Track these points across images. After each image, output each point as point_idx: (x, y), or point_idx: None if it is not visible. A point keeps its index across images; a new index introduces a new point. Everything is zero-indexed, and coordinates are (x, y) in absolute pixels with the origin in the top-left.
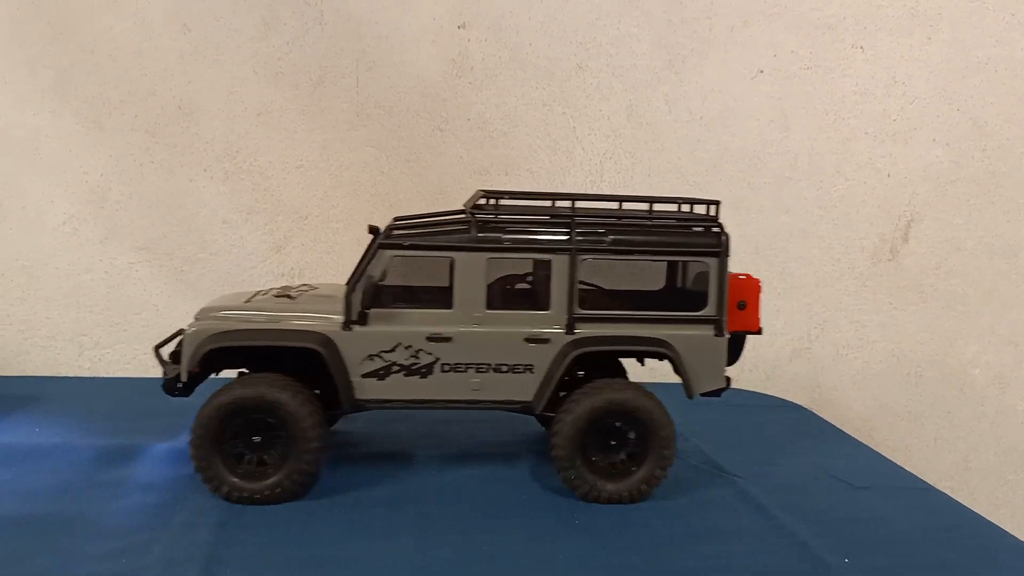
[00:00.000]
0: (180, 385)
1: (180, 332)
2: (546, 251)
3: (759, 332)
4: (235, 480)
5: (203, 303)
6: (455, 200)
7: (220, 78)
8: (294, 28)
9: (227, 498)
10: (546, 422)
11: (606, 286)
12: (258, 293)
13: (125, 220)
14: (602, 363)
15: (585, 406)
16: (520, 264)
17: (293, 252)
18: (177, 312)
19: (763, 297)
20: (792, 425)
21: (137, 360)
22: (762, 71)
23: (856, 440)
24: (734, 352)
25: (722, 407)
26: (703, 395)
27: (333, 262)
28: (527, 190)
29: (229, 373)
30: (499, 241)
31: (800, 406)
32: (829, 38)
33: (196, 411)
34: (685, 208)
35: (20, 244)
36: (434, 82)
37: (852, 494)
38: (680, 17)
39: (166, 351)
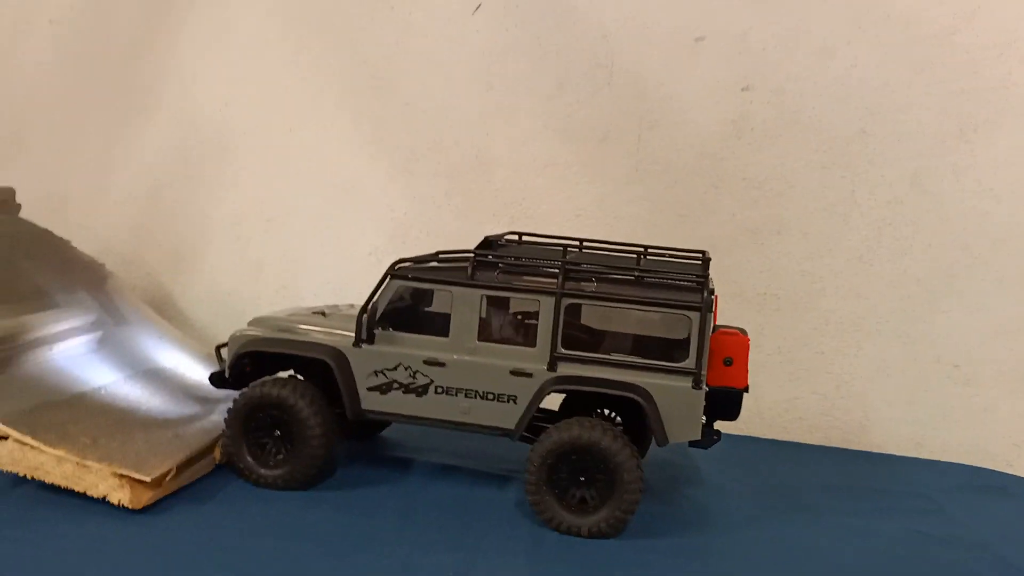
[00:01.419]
0: (226, 379)
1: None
2: (534, 293)
3: (745, 389)
4: (251, 461)
5: None
6: (724, 258)
7: (515, 133)
8: (585, 88)
9: (242, 477)
10: None
11: (595, 326)
12: (311, 310)
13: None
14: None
15: (554, 439)
16: (517, 302)
17: None
18: None
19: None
20: None
21: None
22: None
23: None
24: (727, 408)
25: None
26: (690, 445)
27: None
28: (604, 239)
29: None
30: (493, 280)
31: None
32: None
33: None
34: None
35: (333, 269)
36: (713, 142)
37: None
38: (973, 86)
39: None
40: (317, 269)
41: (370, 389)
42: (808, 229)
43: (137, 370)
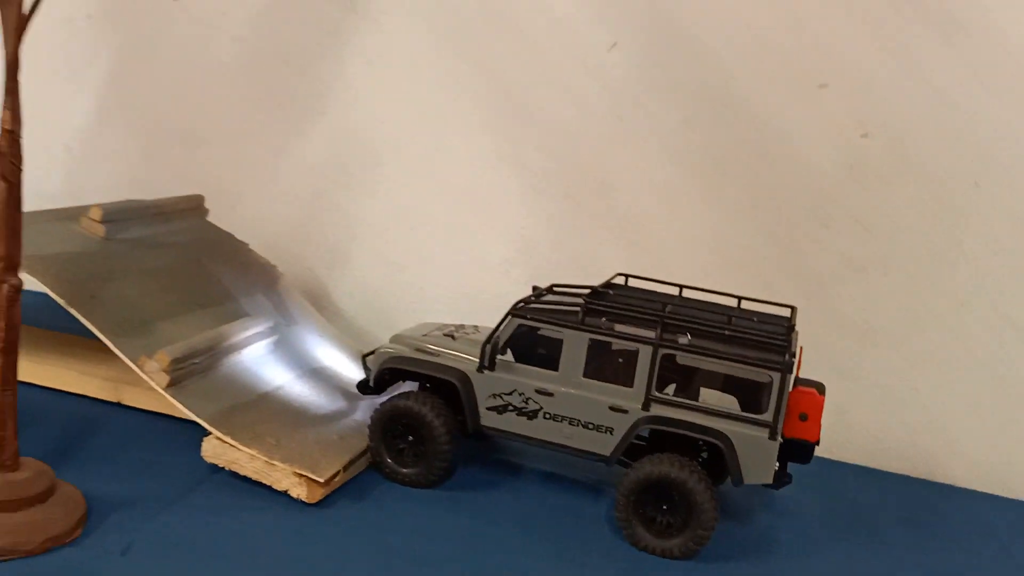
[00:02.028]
0: (370, 386)
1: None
2: (635, 341)
3: (817, 443)
4: (391, 463)
5: None
6: (830, 290)
7: (639, 162)
8: (709, 124)
9: (384, 475)
10: None
11: (690, 363)
12: (441, 329)
13: (547, 268)
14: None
15: (646, 471)
16: (619, 345)
17: None
18: None
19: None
20: None
21: None
22: None
23: None
24: (800, 455)
25: None
26: (765, 486)
27: None
28: (703, 287)
29: None
30: (599, 325)
31: None
32: None
33: None
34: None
35: (467, 276)
36: (828, 182)
37: None
38: None
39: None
40: (452, 275)
41: (488, 408)
42: (913, 271)
43: (305, 369)
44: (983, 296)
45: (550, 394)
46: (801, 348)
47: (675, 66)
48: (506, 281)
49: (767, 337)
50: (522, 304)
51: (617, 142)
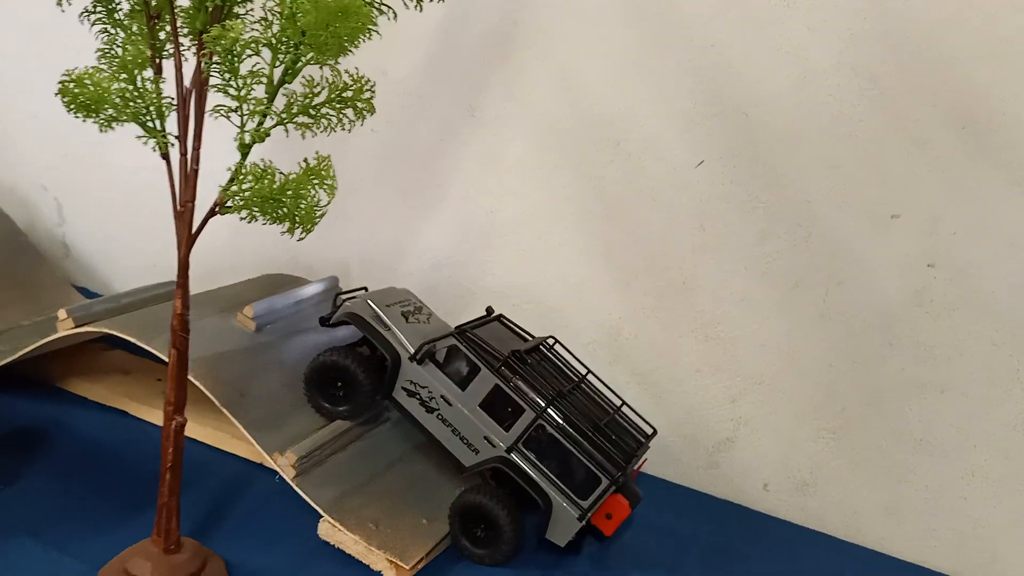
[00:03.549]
0: (328, 323)
1: (351, 296)
2: (524, 404)
3: (609, 536)
4: (325, 405)
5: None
6: (889, 405)
7: (718, 268)
8: (784, 241)
9: (319, 412)
10: None
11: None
12: (404, 305)
13: (629, 352)
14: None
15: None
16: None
17: (744, 406)
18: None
19: None
20: None
21: None
22: None
23: None
24: (593, 534)
25: None
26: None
27: (774, 421)
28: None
29: None
30: (508, 379)
31: None
32: None
33: None
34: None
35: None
36: (893, 305)
37: None
38: None
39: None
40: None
41: (402, 388)
42: (970, 393)
43: (407, 447)
44: None
45: (450, 404)
46: (644, 460)
47: (755, 186)
48: (591, 358)
49: (617, 450)
50: (465, 328)
51: (698, 249)
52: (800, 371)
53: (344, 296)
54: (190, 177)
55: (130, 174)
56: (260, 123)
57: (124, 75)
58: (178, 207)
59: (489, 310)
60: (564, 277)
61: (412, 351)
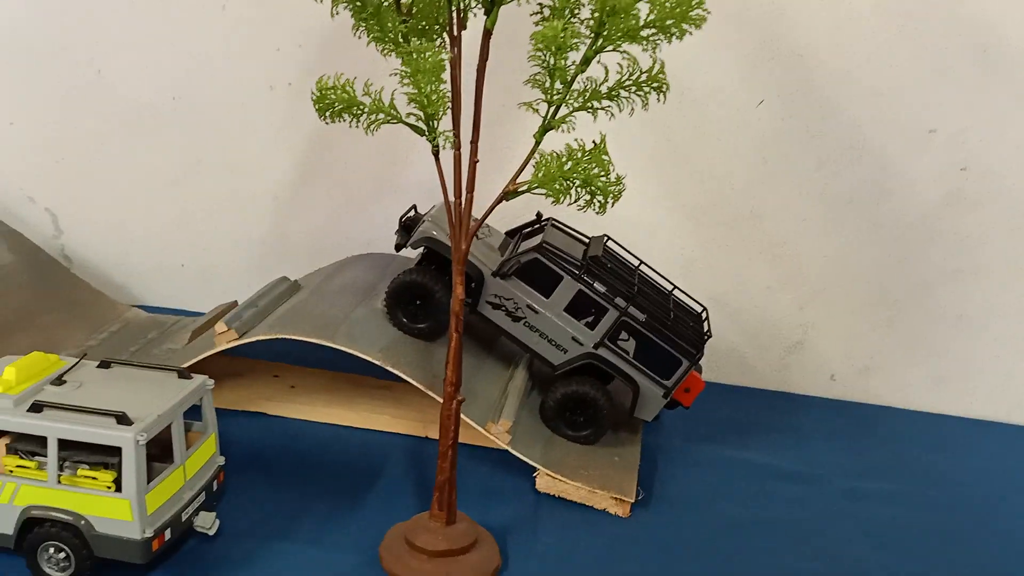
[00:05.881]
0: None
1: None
2: (608, 304)
3: (688, 407)
4: (404, 321)
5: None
6: (931, 292)
7: (782, 194)
8: (839, 164)
9: (398, 327)
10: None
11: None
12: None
13: (704, 282)
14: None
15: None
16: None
17: (810, 312)
18: (720, 340)
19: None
20: None
21: None
22: None
23: None
24: (672, 407)
25: None
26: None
27: (837, 321)
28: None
29: None
30: (589, 283)
31: None
32: None
33: None
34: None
35: None
36: (933, 206)
37: None
38: None
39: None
40: None
41: (487, 302)
42: (1006, 280)
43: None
44: None
45: (536, 311)
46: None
47: (811, 119)
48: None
49: (692, 333)
50: (522, 231)
51: (761, 181)
52: (856, 274)
53: (406, 217)
54: (471, 169)
55: (127, 177)
56: (555, 111)
57: (433, 79)
58: (461, 200)
59: (539, 215)
60: (637, 221)
61: (492, 268)
